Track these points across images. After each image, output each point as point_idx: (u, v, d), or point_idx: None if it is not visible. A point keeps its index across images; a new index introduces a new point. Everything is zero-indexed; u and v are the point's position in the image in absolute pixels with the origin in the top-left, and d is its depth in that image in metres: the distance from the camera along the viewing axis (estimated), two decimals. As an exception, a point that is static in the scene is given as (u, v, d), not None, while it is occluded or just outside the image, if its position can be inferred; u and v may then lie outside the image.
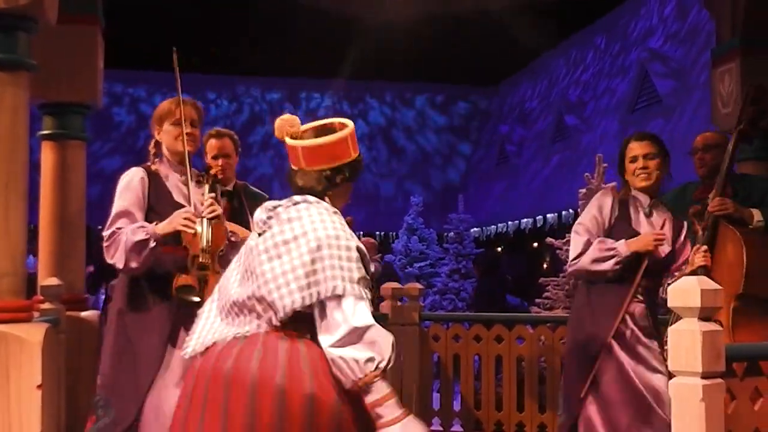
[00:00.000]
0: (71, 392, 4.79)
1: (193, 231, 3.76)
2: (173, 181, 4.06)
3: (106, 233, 3.87)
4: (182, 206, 3.95)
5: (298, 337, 2.69)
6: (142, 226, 3.81)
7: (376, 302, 9.47)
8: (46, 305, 4.60)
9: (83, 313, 5.13)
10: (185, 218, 3.79)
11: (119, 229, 3.84)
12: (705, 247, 4.25)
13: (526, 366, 6.47)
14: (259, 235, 2.85)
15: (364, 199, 20.77)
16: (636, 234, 4.25)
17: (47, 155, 5.24)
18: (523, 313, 9.09)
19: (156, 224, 3.83)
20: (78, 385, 4.95)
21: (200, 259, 3.79)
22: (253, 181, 5.46)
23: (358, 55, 19.99)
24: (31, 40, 3.74)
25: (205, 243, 3.83)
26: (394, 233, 17.60)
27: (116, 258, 3.79)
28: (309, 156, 2.90)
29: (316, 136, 2.93)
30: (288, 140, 2.98)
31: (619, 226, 4.32)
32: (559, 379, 6.35)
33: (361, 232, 19.82)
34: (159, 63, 21.22)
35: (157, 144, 4.11)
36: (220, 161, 4.84)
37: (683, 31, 15.24)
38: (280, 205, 2.87)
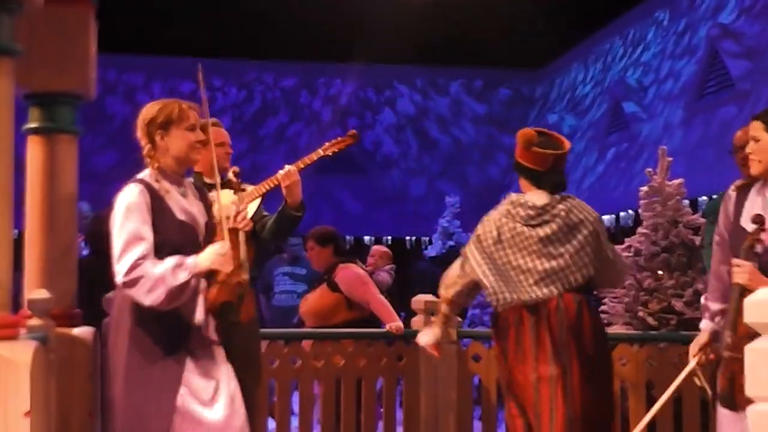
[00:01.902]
0: (62, 420, 4.82)
1: (229, 270, 3.93)
2: (173, 196, 4.09)
3: (122, 264, 3.90)
4: (186, 224, 4.03)
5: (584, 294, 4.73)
6: (179, 265, 3.89)
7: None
8: (34, 321, 4.62)
9: (75, 330, 5.14)
10: (223, 256, 3.92)
11: (141, 260, 3.90)
12: (737, 261, 4.06)
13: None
14: (532, 227, 4.71)
15: (390, 199, 20.79)
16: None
17: (34, 151, 5.26)
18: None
19: (187, 259, 3.92)
20: (69, 410, 4.99)
21: (240, 278, 4.04)
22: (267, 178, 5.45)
23: (383, 35, 20.01)
24: (16, 23, 3.78)
25: (242, 258, 4.08)
26: (427, 239, 17.62)
27: (150, 298, 3.88)
28: (561, 161, 4.86)
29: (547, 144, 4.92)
30: (539, 150, 4.86)
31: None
32: (619, 406, 6.33)
33: (389, 238, 19.85)
34: (157, 47, 21.44)
35: (155, 150, 4.12)
36: (227, 149, 5.19)
37: (759, 3, 15.15)
38: (548, 204, 4.74)
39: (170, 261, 3.89)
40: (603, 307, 7.32)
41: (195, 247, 4.02)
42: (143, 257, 3.89)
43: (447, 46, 21.43)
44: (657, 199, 7.18)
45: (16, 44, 3.74)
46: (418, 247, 18.94)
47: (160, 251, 3.96)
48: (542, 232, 4.72)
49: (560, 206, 4.75)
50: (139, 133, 4.17)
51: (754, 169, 4.13)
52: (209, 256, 3.91)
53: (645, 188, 7.36)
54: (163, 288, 3.85)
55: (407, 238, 20.03)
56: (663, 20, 18.79)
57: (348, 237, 19.64)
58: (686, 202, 7.43)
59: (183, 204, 4.10)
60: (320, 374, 6.33)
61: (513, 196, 4.90)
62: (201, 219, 4.16)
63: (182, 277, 3.86)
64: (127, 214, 3.97)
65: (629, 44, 20.00)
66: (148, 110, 4.18)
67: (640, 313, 6.95)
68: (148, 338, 4.00)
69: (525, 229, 4.74)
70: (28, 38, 4.21)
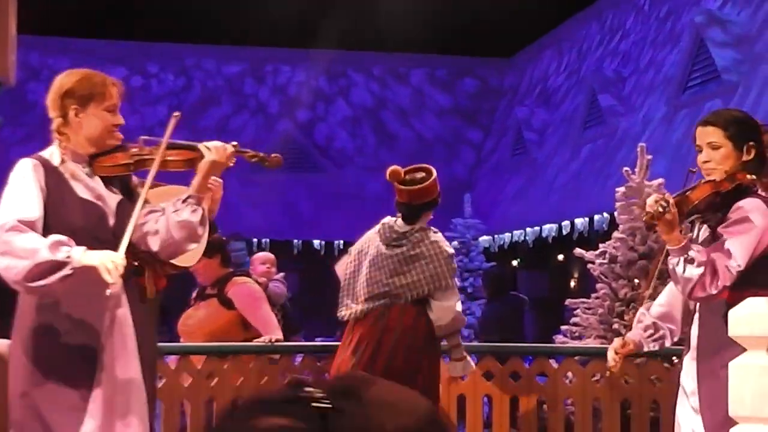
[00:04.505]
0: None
1: (113, 281, 3.68)
2: (77, 176, 3.97)
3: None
4: (90, 203, 3.91)
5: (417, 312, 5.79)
6: (61, 242, 3.72)
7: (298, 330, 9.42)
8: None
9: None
10: (114, 264, 3.68)
11: (14, 224, 3.73)
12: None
13: (549, 410, 6.47)
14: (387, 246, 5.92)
15: (345, 198, 20.75)
16: None
17: (-56, 143, 5.21)
18: (546, 343, 9.09)
19: (77, 248, 3.73)
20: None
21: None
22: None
23: (337, 18, 19.97)
24: None
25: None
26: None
27: (8, 268, 3.70)
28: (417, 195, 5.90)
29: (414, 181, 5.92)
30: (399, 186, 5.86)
31: None
32: (591, 427, 6.35)
33: (341, 242, 19.82)
34: (85, 29, 21.27)
35: (66, 125, 3.98)
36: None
37: (748, -12, 15.28)
38: (407, 231, 5.91)
39: (57, 236, 3.73)
40: (575, 319, 7.34)
41: (102, 229, 3.91)
42: (18, 221, 3.74)
43: (408, 30, 21.44)
44: (635, 201, 7.21)
45: None
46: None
47: (55, 232, 3.80)
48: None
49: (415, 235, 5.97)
50: (51, 104, 4.01)
51: (711, 177, 4.18)
52: (100, 256, 3.70)
53: (622, 189, 7.40)
54: (30, 251, 3.67)
55: (362, 242, 20.03)
56: (644, 5, 18.90)
57: (296, 241, 19.59)
58: (667, 204, 7.46)
59: (89, 182, 3.98)
60: (215, 393, 6.26)
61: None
62: (111, 199, 4.03)
63: (59, 254, 3.68)
64: (14, 187, 3.86)
65: (606, 31, 20.08)
66: (67, 79, 4.04)
67: (616, 326, 6.99)
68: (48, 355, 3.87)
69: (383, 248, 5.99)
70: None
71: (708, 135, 4.21)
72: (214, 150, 4.05)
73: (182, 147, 4.15)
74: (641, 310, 4.46)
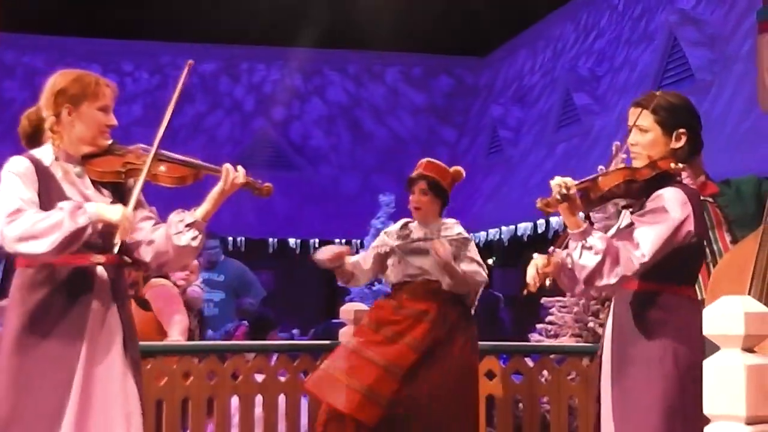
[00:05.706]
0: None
1: (123, 238, 3.84)
2: (68, 177, 4.02)
3: (2, 217, 3.82)
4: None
5: None
6: (77, 207, 3.81)
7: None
8: None
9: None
10: (129, 220, 3.84)
11: (24, 209, 3.81)
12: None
13: (525, 408, 6.47)
14: None
15: (320, 197, 20.74)
16: None
17: None
18: (521, 341, 9.11)
19: (88, 206, 3.85)
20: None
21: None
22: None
23: (312, 16, 19.94)
24: None
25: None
26: (359, 241, 17.57)
27: (38, 243, 3.77)
28: None
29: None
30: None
31: None
32: (567, 425, 6.36)
33: (316, 240, 19.80)
34: (61, 26, 21.16)
35: (59, 124, 4.03)
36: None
37: (721, -12, 15.34)
38: None
39: (65, 204, 3.82)
40: (550, 318, 7.35)
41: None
42: (24, 201, 3.84)
43: (383, 29, 21.43)
44: (610, 200, 7.20)
45: None
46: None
47: None
48: None
49: None
50: (44, 103, 4.06)
51: (641, 164, 4.15)
52: (119, 210, 3.85)
53: (597, 187, 7.39)
54: (56, 225, 3.76)
55: (337, 240, 20.00)
56: (618, 4, 18.95)
57: (272, 240, 19.55)
58: (642, 202, 7.47)
59: (78, 183, 4.03)
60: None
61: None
62: (99, 201, 4.04)
63: (81, 220, 3.79)
64: (10, 180, 3.91)
65: (581, 30, 20.12)
66: (61, 79, 4.08)
67: (591, 324, 6.99)
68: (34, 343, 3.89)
69: None
70: None
71: (640, 117, 4.17)
72: (233, 176, 4.19)
73: (176, 162, 4.17)
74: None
